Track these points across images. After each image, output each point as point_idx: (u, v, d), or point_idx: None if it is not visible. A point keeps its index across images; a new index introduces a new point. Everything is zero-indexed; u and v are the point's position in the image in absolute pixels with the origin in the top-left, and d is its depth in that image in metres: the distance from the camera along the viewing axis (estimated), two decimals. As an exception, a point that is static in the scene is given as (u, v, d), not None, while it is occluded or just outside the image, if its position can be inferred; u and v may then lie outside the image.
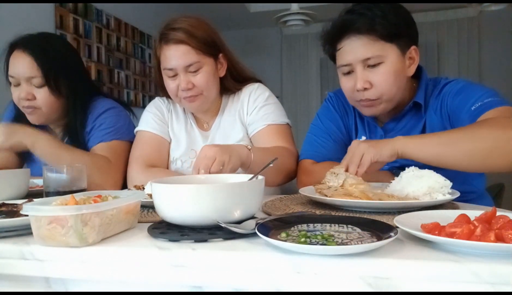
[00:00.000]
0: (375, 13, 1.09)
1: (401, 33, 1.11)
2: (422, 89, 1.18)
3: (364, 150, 0.98)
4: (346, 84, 1.17)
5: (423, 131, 1.17)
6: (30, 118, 1.40)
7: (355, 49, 1.11)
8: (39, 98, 1.35)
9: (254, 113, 1.35)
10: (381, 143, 0.99)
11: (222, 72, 1.35)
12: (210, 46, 1.28)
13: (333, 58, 1.22)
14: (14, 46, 1.36)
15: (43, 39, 1.40)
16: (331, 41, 1.18)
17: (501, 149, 0.89)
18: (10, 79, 1.35)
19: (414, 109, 1.19)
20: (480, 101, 1.04)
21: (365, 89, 1.12)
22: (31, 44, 1.35)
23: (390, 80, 1.11)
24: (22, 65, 1.32)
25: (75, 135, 1.42)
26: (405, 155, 0.97)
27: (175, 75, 1.27)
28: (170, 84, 1.29)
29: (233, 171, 1.05)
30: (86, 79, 1.53)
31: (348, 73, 1.15)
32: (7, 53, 1.36)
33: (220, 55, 1.33)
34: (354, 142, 1.02)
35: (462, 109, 1.07)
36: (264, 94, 1.37)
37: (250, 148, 1.15)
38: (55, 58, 1.36)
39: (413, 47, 1.14)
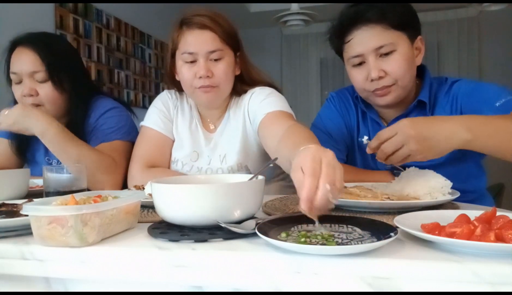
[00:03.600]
0: (383, 4, 1.11)
1: (409, 23, 1.13)
2: (426, 87, 1.19)
3: (411, 150, 0.87)
4: (357, 76, 1.16)
5: None
6: None
7: (366, 39, 1.11)
8: (42, 94, 1.34)
9: (255, 108, 1.26)
10: (435, 143, 0.87)
11: (238, 71, 1.32)
12: (232, 39, 1.26)
13: (339, 52, 1.22)
14: (16, 44, 1.36)
15: (45, 37, 1.41)
16: (340, 33, 1.17)
17: None
18: (12, 76, 1.35)
19: (419, 108, 1.19)
20: (503, 98, 1.05)
21: (380, 78, 1.12)
22: (34, 40, 1.35)
23: (403, 67, 1.11)
24: (26, 60, 1.33)
25: (77, 133, 1.42)
26: (466, 148, 0.90)
27: (194, 61, 1.22)
28: (186, 72, 1.24)
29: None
30: (87, 78, 1.54)
31: (359, 64, 1.15)
32: (8, 51, 1.37)
33: (238, 53, 1.30)
34: (403, 128, 0.87)
35: (483, 107, 1.07)
36: (266, 90, 1.30)
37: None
38: (57, 54, 1.37)
39: (419, 37, 1.16)
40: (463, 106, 1.14)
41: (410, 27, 1.13)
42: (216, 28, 1.21)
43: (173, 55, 1.28)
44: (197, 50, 1.21)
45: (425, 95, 1.17)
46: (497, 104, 1.04)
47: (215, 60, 1.22)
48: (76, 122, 1.41)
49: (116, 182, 1.33)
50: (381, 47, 1.10)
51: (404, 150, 0.87)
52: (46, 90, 1.35)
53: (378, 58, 1.12)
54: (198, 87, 1.23)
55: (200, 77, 1.21)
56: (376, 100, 1.18)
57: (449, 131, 0.88)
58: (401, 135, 0.87)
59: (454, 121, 0.90)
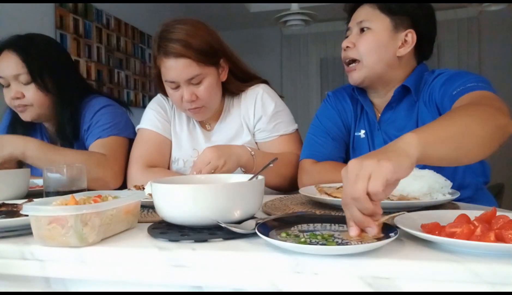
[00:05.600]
0: None
1: (401, 10, 1.16)
2: (413, 75, 1.20)
3: (372, 169, 0.59)
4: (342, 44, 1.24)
5: (416, 124, 1.17)
6: (22, 116, 1.41)
7: (358, 14, 1.21)
8: (28, 96, 1.37)
9: (265, 121, 1.34)
10: (392, 153, 0.63)
11: (224, 77, 1.33)
12: (210, 56, 1.25)
13: None
14: (1, 48, 1.37)
15: (28, 39, 1.41)
16: (348, 12, 1.27)
17: (502, 129, 0.79)
18: (0, 80, 1.37)
19: (405, 95, 1.19)
20: (462, 86, 1.02)
21: (347, 48, 1.20)
22: (16, 44, 1.37)
23: (370, 46, 1.16)
24: (9, 63, 1.35)
25: (64, 133, 1.43)
26: (425, 159, 0.67)
27: (177, 86, 1.25)
28: (173, 95, 1.28)
29: (228, 173, 1.09)
30: (76, 77, 1.54)
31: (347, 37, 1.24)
32: None
33: (221, 60, 1.30)
34: (351, 164, 0.62)
35: (444, 96, 1.06)
36: (272, 101, 1.36)
37: (253, 153, 1.19)
38: (39, 55, 1.38)
39: (409, 30, 1.17)
40: (436, 99, 1.12)
41: (400, 15, 1.16)
42: (190, 53, 1.20)
43: (160, 73, 1.29)
44: (177, 79, 1.23)
45: (410, 81, 1.18)
46: (454, 92, 1.02)
47: (197, 83, 1.24)
48: (63, 122, 1.43)
49: (113, 173, 1.33)
50: (360, 22, 1.18)
51: (366, 166, 0.60)
52: (31, 92, 1.36)
53: (359, 33, 1.19)
54: (187, 109, 1.29)
55: (186, 101, 1.26)
56: (348, 77, 1.24)
57: (400, 147, 0.66)
58: (360, 167, 0.60)
59: (405, 136, 0.68)
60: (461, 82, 1.04)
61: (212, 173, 1.08)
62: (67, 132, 1.43)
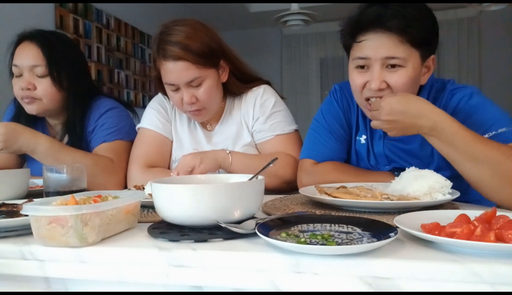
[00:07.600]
0: (411, 14, 1.03)
1: (428, 41, 1.07)
2: (425, 91, 1.16)
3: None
4: (357, 79, 1.10)
5: (423, 137, 1.15)
6: (28, 108, 1.39)
7: (380, 45, 1.04)
8: (39, 89, 1.36)
9: (261, 122, 1.34)
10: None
11: (225, 78, 1.32)
12: (209, 57, 1.23)
13: (346, 47, 1.15)
14: (22, 38, 1.38)
15: (51, 34, 1.43)
16: (354, 30, 1.09)
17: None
18: (14, 68, 1.36)
19: None
20: (494, 130, 1.01)
21: (380, 90, 1.05)
22: (39, 36, 1.37)
23: (407, 85, 1.05)
24: (28, 54, 1.35)
25: (74, 132, 1.42)
26: (439, 133, 0.93)
27: (177, 89, 1.25)
28: (173, 97, 1.28)
29: (205, 172, 1.13)
30: (88, 79, 1.54)
31: (363, 67, 1.09)
32: (14, 44, 1.39)
33: (221, 61, 1.29)
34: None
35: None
36: (271, 101, 1.35)
37: (228, 152, 1.23)
38: (60, 51, 1.38)
39: (432, 56, 1.10)
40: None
41: (427, 46, 1.07)
42: (189, 56, 1.19)
43: (159, 75, 1.29)
44: (176, 82, 1.23)
45: (423, 97, 1.15)
46: (487, 135, 1.00)
47: (196, 86, 1.24)
48: (74, 121, 1.42)
49: (117, 181, 1.33)
50: (391, 58, 1.03)
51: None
52: (44, 86, 1.36)
53: (384, 68, 1.05)
54: (188, 111, 1.30)
55: (187, 103, 1.26)
56: (367, 113, 1.13)
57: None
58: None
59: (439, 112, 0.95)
60: (491, 122, 1.03)
61: (190, 172, 1.11)
62: (77, 132, 1.42)
